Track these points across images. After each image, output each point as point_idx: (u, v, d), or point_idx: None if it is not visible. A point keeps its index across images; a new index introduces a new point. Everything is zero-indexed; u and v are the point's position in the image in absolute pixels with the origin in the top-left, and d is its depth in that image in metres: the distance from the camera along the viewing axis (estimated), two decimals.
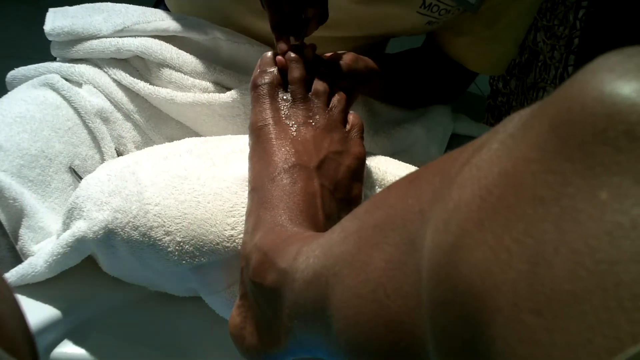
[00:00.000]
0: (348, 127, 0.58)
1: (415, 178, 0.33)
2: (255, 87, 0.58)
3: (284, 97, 0.57)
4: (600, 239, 0.19)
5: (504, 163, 0.23)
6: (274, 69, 0.58)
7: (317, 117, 0.57)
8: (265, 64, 0.59)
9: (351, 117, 0.59)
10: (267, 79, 0.58)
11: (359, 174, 0.57)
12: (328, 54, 0.63)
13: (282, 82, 0.58)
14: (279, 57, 0.59)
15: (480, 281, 0.22)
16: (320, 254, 0.40)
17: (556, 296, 0.19)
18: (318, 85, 0.59)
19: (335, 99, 0.59)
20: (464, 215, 0.24)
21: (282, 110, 0.57)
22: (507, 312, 0.20)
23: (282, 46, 0.59)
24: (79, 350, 0.55)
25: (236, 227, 0.54)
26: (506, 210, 0.22)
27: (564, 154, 0.21)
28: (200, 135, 0.71)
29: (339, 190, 0.55)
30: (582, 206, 0.20)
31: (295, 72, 0.58)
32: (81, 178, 0.63)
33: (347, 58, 0.63)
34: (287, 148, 0.54)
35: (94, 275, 0.58)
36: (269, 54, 0.60)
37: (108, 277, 0.58)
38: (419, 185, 0.32)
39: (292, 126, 0.56)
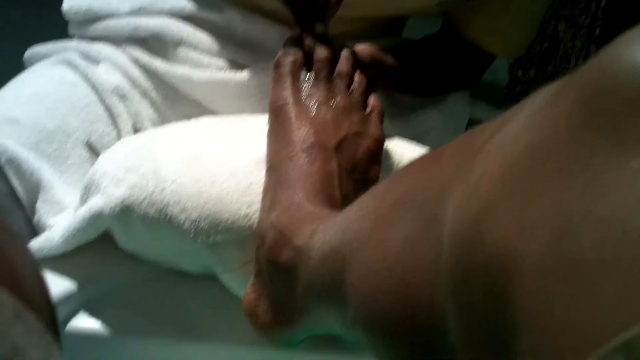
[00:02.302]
0: (368, 110, 0.58)
1: (436, 155, 0.33)
2: (277, 66, 0.58)
3: (306, 77, 0.57)
4: (629, 208, 0.18)
5: (531, 135, 0.23)
6: (298, 50, 0.58)
7: (338, 98, 0.57)
8: (290, 44, 0.59)
9: (371, 99, 0.59)
10: (290, 58, 0.57)
11: (377, 156, 0.56)
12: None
13: (306, 63, 0.58)
14: (307, 39, 0.58)
15: (505, 252, 0.21)
16: (337, 231, 0.40)
17: (582, 266, 0.19)
18: (342, 66, 0.58)
19: (357, 81, 0.59)
20: (488, 186, 0.24)
21: (303, 89, 0.57)
22: (531, 281, 0.20)
23: (308, 36, 0.59)
24: (93, 324, 0.56)
25: (252, 205, 0.54)
26: (532, 181, 0.22)
27: (593, 125, 0.21)
28: (216, 114, 0.71)
29: (357, 172, 0.55)
30: (610, 176, 0.19)
31: (322, 52, 0.58)
32: (98, 154, 0.63)
33: (372, 48, 0.63)
34: (306, 128, 0.54)
35: (110, 250, 0.58)
36: (295, 35, 0.60)
37: (124, 253, 0.58)
38: (439, 162, 0.32)
39: (312, 106, 0.56)
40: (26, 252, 0.28)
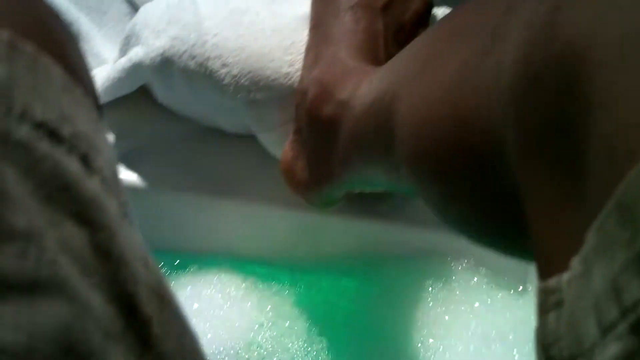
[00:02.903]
0: None
1: None
2: None
3: None
4: None
5: None
6: None
7: None
8: None
9: None
10: None
11: (425, 19, 0.54)
12: None
13: None
14: None
15: (583, 40, 0.20)
16: (386, 75, 0.39)
17: None
18: None
19: None
20: None
21: None
22: (613, 62, 0.19)
23: None
24: (130, 176, 0.56)
25: (294, 64, 0.52)
26: None
27: None
28: None
29: (403, 34, 0.53)
30: None
31: None
32: (137, 10, 0.61)
33: None
34: None
35: (148, 106, 0.58)
36: None
37: (162, 108, 0.58)
38: None
39: None
40: (77, 45, 0.27)
